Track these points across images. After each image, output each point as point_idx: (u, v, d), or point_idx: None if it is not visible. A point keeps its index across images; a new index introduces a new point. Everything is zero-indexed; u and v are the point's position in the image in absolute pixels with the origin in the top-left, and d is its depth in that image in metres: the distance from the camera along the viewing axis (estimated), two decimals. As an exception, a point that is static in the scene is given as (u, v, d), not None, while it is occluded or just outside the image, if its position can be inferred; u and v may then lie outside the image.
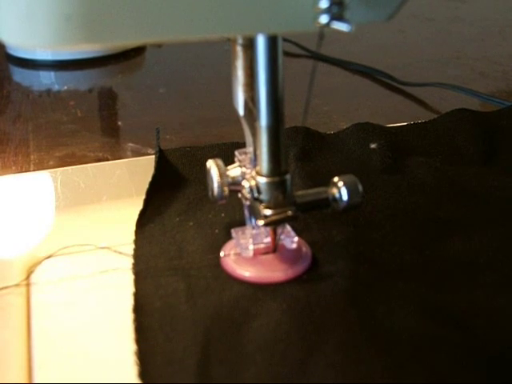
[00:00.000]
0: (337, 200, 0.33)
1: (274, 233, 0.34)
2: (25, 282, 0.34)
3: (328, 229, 0.37)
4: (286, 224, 0.35)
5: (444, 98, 0.62)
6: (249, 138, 0.34)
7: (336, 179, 0.33)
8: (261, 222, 0.32)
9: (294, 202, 0.32)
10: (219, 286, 0.33)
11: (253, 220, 0.34)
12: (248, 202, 0.33)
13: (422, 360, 0.28)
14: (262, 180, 0.32)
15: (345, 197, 0.32)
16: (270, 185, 0.32)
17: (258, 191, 0.32)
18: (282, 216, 0.32)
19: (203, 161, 0.36)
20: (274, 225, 0.33)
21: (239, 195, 0.34)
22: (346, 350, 0.28)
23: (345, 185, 0.32)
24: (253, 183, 0.33)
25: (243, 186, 0.33)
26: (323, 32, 0.26)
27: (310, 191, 0.34)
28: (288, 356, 0.28)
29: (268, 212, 0.32)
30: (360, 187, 0.33)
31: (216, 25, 0.25)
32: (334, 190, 0.33)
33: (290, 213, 0.32)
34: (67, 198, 0.42)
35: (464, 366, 0.27)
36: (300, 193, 0.33)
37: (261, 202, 0.32)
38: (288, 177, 0.32)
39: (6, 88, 0.68)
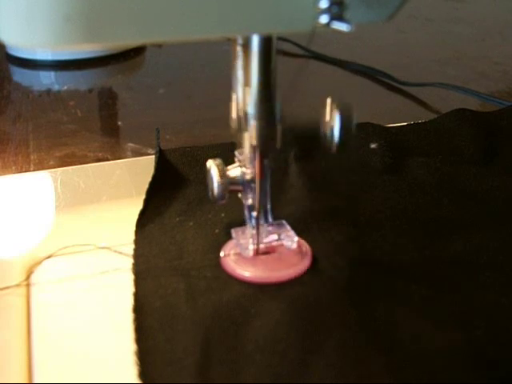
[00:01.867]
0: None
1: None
2: (25, 283, 0.34)
3: (328, 229, 0.37)
4: (286, 224, 0.35)
5: (444, 98, 0.62)
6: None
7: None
8: None
9: None
10: (219, 286, 0.33)
11: (253, 220, 0.34)
12: (249, 201, 0.33)
13: (421, 360, 0.28)
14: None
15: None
16: None
17: None
18: None
19: (203, 161, 0.36)
20: None
21: (239, 195, 0.34)
22: (346, 350, 0.28)
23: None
24: None
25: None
26: (314, 30, 0.25)
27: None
28: (288, 356, 0.28)
29: None
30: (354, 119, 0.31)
31: (216, 25, 0.25)
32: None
33: None
34: (67, 197, 0.42)
35: (464, 366, 0.27)
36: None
37: None
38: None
39: (6, 88, 0.68)
